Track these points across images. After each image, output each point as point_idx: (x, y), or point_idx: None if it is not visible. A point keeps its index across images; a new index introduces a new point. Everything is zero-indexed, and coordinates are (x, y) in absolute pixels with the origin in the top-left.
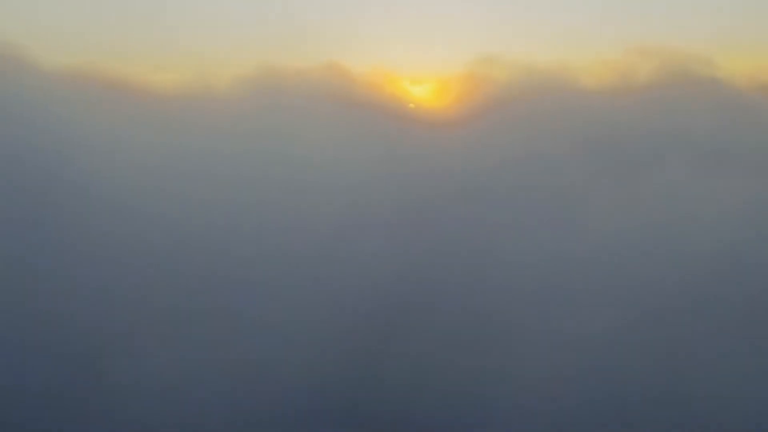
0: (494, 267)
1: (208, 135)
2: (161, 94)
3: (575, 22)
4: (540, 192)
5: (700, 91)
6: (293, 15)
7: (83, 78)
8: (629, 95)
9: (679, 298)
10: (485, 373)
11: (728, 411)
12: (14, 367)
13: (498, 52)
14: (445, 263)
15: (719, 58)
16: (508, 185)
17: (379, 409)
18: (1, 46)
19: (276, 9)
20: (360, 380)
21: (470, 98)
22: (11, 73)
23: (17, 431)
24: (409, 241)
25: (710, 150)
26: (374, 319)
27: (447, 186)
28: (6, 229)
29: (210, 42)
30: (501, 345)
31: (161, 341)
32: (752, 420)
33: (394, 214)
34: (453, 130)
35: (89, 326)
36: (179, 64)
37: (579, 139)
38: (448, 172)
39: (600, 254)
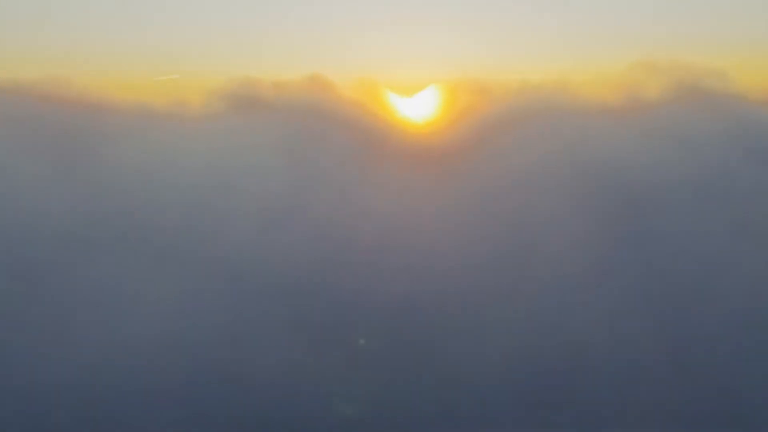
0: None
1: (179, 153)
2: (129, 109)
3: (575, 34)
4: (529, 228)
5: (714, 110)
6: (274, 23)
7: (40, 93)
8: (636, 116)
9: None
10: None
11: None
12: None
13: (491, 65)
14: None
15: (734, 71)
16: (492, 218)
17: None
18: None
19: (255, 17)
20: None
21: (460, 116)
22: None
23: None
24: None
25: (728, 181)
26: None
27: (427, 212)
28: None
29: (183, 53)
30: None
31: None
32: None
33: (370, 236)
34: (439, 152)
35: None
36: (150, 76)
37: (577, 168)
38: (429, 200)
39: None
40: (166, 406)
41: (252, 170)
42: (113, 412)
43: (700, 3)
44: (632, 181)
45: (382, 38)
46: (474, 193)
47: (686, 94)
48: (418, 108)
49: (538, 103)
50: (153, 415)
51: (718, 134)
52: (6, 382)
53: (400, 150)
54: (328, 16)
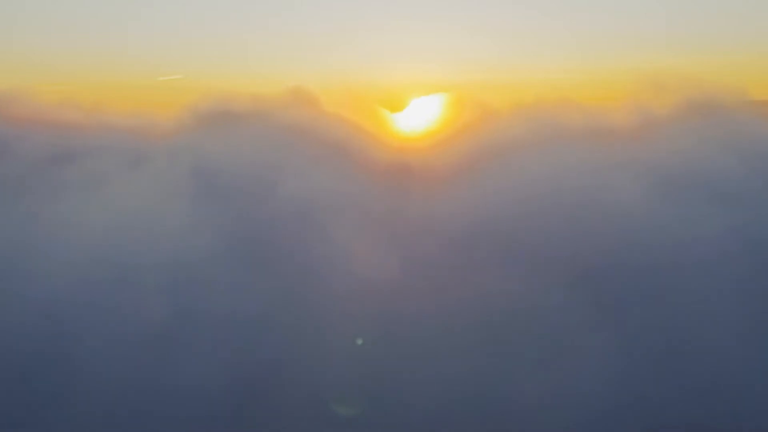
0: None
1: (151, 174)
2: (96, 123)
3: (578, 48)
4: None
5: (731, 132)
6: (255, 32)
7: None
8: (643, 136)
9: None
10: None
11: None
12: None
13: (488, 78)
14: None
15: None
16: (480, 252)
17: None
18: None
19: (233, 26)
20: None
21: (452, 135)
22: None
23: None
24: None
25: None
26: None
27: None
28: None
29: (154, 65)
30: None
31: None
32: None
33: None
34: (425, 174)
35: None
36: (120, 88)
37: (581, 199)
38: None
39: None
40: None
41: (218, 193)
42: None
43: (703, 4)
44: (638, 227)
45: (377, 43)
46: (458, 224)
47: (699, 114)
48: (407, 122)
49: (536, 124)
50: None
51: (735, 162)
52: None
53: (384, 170)
54: (322, 21)
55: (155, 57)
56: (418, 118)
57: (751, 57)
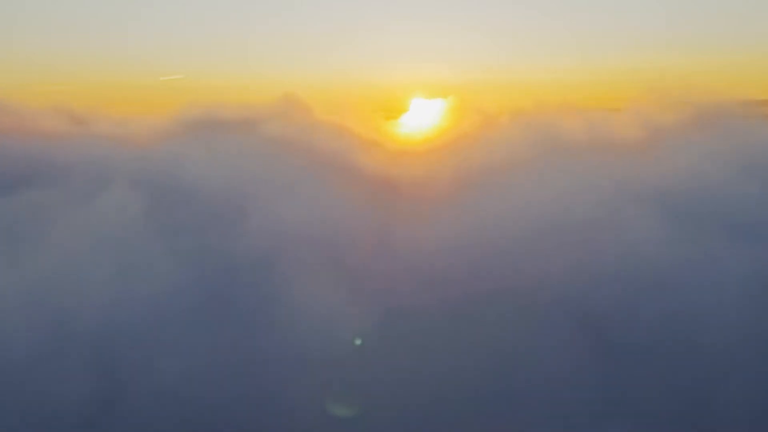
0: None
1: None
2: (75, 133)
3: (579, 49)
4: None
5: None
6: (255, 32)
7: None
8: (647, 146)
9: None
10: None
11: None
12: None
13: (489, 78)
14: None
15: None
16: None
17: None
18: None
19: (234, 26)
20: None
21: (448, 144)
22: None
23: None
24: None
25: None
26: None
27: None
28: None
29: (155, 65)
30: None
31: None
32: None
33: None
34: (423, 191)
35: None
36: (121, 89)
37: (582, 218)
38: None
39: None
40: None
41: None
42: None
43: (703, 4)
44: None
45: (377, 43)
46: (449, 249)
47: (702, 121)
48: (405, 128)
49: (536, 134)
50: None
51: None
52: None
53: (376, 187)
54: (323, 22)
55: (156, 57)
56: (416, 125)
57: (751, 57)
